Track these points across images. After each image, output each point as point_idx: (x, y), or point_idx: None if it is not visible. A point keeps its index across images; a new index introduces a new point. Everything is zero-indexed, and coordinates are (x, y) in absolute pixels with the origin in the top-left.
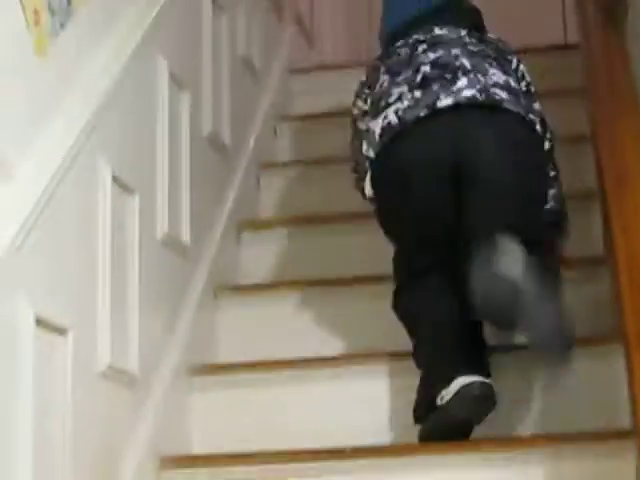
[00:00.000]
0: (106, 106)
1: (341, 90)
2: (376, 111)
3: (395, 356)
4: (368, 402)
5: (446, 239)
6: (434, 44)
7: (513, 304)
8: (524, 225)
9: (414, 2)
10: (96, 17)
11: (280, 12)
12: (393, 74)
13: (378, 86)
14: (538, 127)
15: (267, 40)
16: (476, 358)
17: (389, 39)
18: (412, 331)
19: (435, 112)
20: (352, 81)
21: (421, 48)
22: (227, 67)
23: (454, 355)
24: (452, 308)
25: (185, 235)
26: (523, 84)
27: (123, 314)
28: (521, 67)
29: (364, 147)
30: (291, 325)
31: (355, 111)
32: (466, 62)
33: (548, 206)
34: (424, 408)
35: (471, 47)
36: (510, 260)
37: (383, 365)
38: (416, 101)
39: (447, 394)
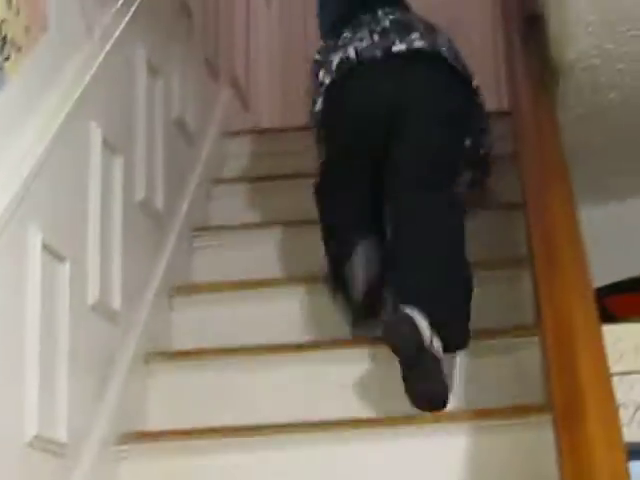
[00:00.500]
0: (38, 173)
1: (276, 153)
2: (337, 46)
3: None
4: None
5: (371, 158)
6: (392, 13)
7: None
8: (439, 178)
9: None
10: (29, 84)
11: (216, 74)
12: (355, 29)
13: (341, 39)
14: (474, 83)
15: (202, 103)
16: None
17: (337, 19)
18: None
19: (389, 56)
20: (287, 144)
21: (381, 12)
22: (161, 131)
23: None
24: None
25: (116, 301)
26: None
27: (51, 382)
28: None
29: (321, 74)
30: (223, 392)
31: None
32: (418, 25)
33: (482, 151)
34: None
35: (422, 19)
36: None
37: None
38: (374, 43)
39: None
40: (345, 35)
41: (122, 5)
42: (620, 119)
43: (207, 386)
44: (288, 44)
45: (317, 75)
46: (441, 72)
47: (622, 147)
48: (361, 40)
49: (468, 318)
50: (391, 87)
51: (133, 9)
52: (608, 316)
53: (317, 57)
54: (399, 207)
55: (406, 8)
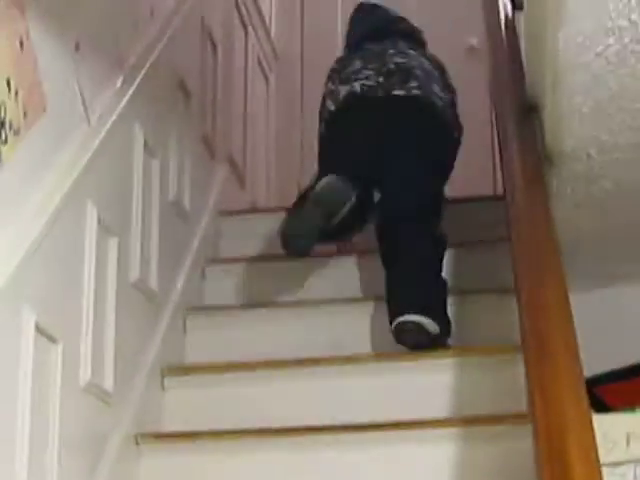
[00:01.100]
0: (33, 254)
1: (271, 234)
2: (346, 80)
3: None
4: None
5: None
6: (400, 52)
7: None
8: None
9: (380, 15)
10: (26, 166)
11: (212, 153)
12: (365, 61)
13: (350, 67)
14: (455, 134)
15: (199, 181)
16: None
17: (360, 39)
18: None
19: (388, 97)
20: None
21: (391, 52)
22: (157, 211)
23: None
24: None
25: (108, 382)
26: (449, 96)
27: (42, 462)
28: (449, 81)
29: (328, 103)
30: (214, 474)
31: (325, 89)
32: (419, 73)
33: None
34: None
35: (424, 64)
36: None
37: None
38: (378, 84)
39: None
40: (356, 65)
41: (121, 86)
42: (616, 207)
43: (199, 469)
44: (285, 123)
45: (324, 100)
46: (432, 119)
47: (618, 234)
48: (367, 78)
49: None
50: (387, 123)
51: (132, 90)
52: (600, 405)
53: (334, 66)
54: (395, 237)
55: (421, 44)
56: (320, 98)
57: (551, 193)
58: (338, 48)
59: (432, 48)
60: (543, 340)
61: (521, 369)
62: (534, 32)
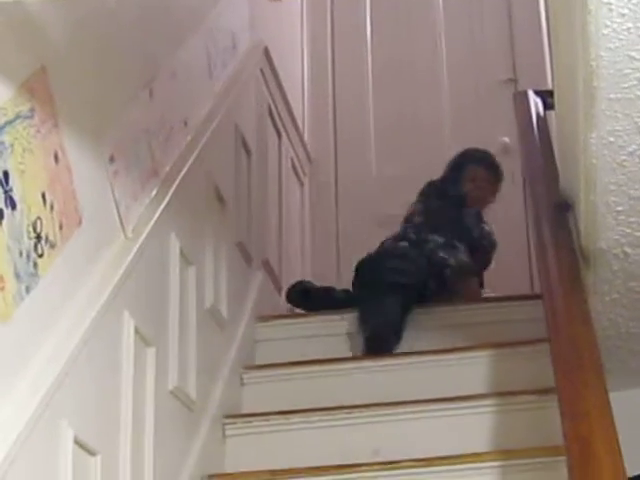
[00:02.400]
0: (71, 367)
1: (308, 338)
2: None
3: None
4: None
5: None
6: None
7: None
8: None
9: None
10: (63, 279)
11: (248, 258)
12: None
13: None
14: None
15: (235, 288)
16: None
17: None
18: None
19: None
20: (317, 329)
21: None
22: (194, 318)
23: None
24: None
25: None
26: None
27: None
28: None
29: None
30: None
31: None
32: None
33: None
34: None
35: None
36: None
37: None
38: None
39: None
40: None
41: (156, 195)
42: None
43: None
44: (320, 227)
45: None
46: None
47: None
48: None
49: None
50: None
51: (167, 199)
52: None
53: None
54: None
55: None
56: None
57: (588, 290)
58: (371, 150)
59: (465, 147)
60: (586, 446)
61: (564, 471)
62: (566, 132)
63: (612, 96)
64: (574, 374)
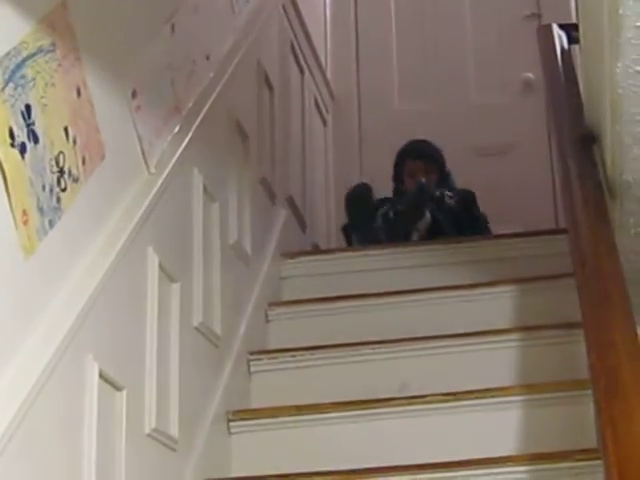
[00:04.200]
0: (95, 301)
1: (333, 274)
2: None
3: None
4: None
5: None
6: None
7: None
8: None
9: None
10: (86, 214)
11: (272, 195)
12: None
13: None
14: None
15: (259, 225)
16: None
17: None
18: None
19: None
20: (344, 265)
21: None
22: (218, 255)
23: None
24: None
25: (173, 428)
26: None
27: None
28: None
29: None
30: None
31: None
32: None
33: None
34: None
35: None
36: None
37: None
38: None
39: None
40: None
41: (178, 131)
42: None
43: None
44: (343, 164)
45: None
46: None
47: None
48: None
49: None
50: None
51: (190, 135)
52: None
53: None
54: None
55: None
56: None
57: (614, 223)
58: (393, 86)
59: (488, 83)
60: (613, 377)
61: (590, 405)
62: (591, 64)
63: (638, 24)
64: (600, 305)
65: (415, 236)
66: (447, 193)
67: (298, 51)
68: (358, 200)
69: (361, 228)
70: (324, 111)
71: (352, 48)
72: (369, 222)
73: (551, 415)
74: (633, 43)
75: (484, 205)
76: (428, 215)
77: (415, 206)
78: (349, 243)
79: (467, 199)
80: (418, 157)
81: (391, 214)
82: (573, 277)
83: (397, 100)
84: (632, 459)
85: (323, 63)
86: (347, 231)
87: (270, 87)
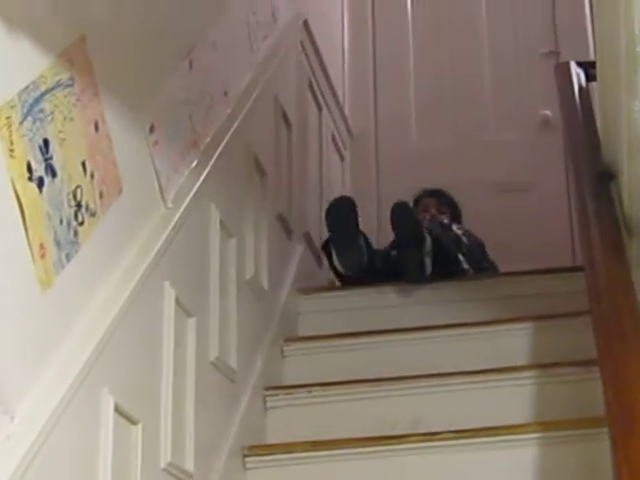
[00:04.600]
0: (111, 335)
1: (349, 310)
2: None
3: None
4: None
5: None
6: None
7: None
8: None
9: None
10: (103, 248)
11: (289, 231)
12: None
13: None
14: None
15: (275, 260)
16: None
17: None
18: None
19: None
20: (359, 301)
21: None
22: (234, 290)
23: None
24: None
25: (189, 462)
26: None
27: None
28: None
29: None
30: None
31: None
32: None
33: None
34: None
35: None
36: None
37: None
38: None
39: None
40: None
41: (196, 166)
42: None
43: None
44: (360, 201)
45: None
46: None
47: None
48: None
49: None
50: None
51: (207, 170)
52: None
53: None
54: None
55: None
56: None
57: (631, 262)
58: (411, 122)
59: (506, 120)
60: (629, 414)
61: (606, 443)
62: (608, 101)
63: None
64: (616, 343)
65: (428, 263)
66: (456, 226)
67: (316, 88)
68: (341, 213)
69: (343, 243)
70: (342, 147)
71: (370, 84)
72: (352, 237)
73: (566, 453)
74: None
75: (501, 241)
76: (428, 238)
77: (413, 231)
78: (330, 261)
79: (478, 247)
80: (434, 195)
81: (393, 253)
82: (589, 315)
83: (415, 135)
84: None
85: (341, 99)
86: (327, 248)
87: (288, 123)
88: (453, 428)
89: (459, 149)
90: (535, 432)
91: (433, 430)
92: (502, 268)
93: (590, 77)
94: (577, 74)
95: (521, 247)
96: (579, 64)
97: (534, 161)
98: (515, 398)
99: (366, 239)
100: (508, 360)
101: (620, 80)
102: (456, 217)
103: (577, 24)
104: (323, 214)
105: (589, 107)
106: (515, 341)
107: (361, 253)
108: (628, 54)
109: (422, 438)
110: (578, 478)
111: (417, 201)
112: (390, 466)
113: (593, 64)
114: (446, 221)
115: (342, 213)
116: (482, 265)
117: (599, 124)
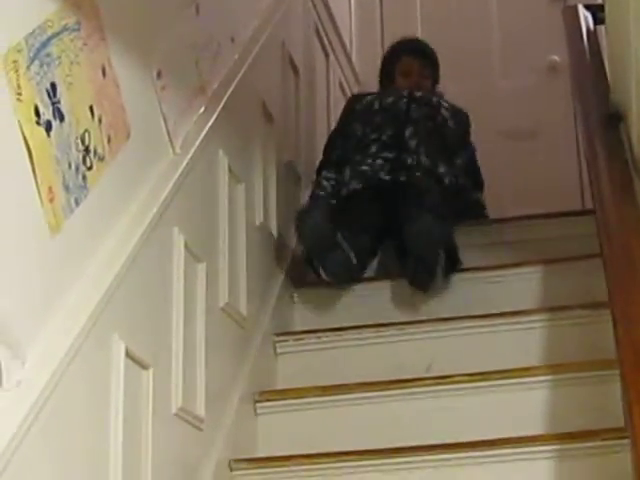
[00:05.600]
0: (121, 281)
1: None
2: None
3: None
4: None
5: None
6: None
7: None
8: None
9: None
10: (112, 192)
11: (297, 177)
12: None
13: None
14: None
15: (285, 208)
16: None
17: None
18: None
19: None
20: None
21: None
22: (243, 236)
23: None
24: None
25: (200, 407)
26: None
27: None
28: None
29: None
30: None
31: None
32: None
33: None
34: None
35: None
36: None
37: None
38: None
39: None
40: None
41: (203, 112)
42: None
43: None
44: None
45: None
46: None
47: None
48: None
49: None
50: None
51: (215, 116)
52: None
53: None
54: None
55: None
56: None
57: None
58: None
59: (514, 66)
60: (638, 351)
61: (617, 384)
62: (617, 44)
63: None
64: (627, 281)
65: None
66: (444, 103)
67: (323, 34)
68: (311, 230)
69: (321, 254)
70: (349, 94)
71: (377, 30)
72: (329, 247)
73: (577, 395)
74: None
75: (509, 186)
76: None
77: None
78: (317, 274)
79: (463, 121)
80: (416, 55)
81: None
82: (600, 258)
83: None
84: None
85: (348, 47)
86: (311, 262)
87: (295, 70)
88: (464, 371)
89: (467, 95)
90: (546, 374)
91: (444, 374)
92: (511, 213)
93: (598, 20)
94: (585, 17)
95: (530, 192)
96: (587, 7)
97: (543, 107)
98: (526, 341)
99: (344, 233)
100: (519, 304)
101: (628, 22)
102: (437, 77)
103: None
104: None
105: (597, 50)
106: (525, 285)
107: (345, 255)
108: None
109: (434, 382)
110: (589, 419)
111: (393, 61)
112: (402, 410)
113: (601, 7)
114: (435, 99)
115: (312, 230)
116: (478, 179)
117: (608, 67)
